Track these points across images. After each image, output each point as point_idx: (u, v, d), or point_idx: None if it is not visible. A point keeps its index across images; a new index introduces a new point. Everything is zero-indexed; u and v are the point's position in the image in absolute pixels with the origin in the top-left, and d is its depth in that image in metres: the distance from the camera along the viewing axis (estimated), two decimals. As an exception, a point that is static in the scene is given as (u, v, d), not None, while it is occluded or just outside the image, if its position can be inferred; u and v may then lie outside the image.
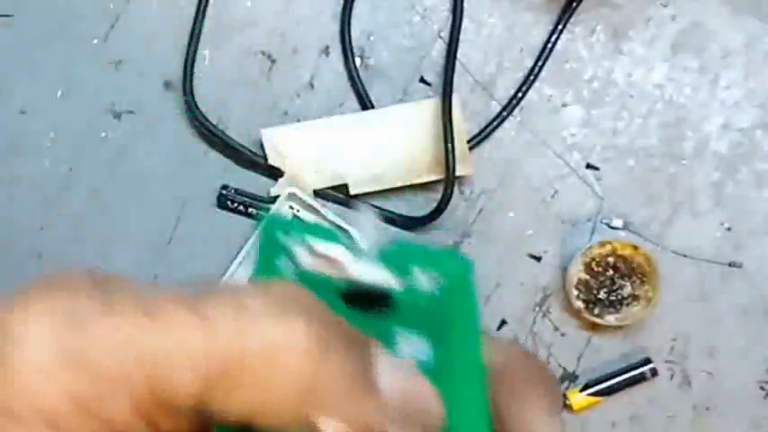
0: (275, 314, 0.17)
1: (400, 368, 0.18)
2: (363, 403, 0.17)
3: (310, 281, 0.20)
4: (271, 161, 0.55)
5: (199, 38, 0.56)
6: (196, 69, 0.56)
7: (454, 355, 0.19)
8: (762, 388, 0.55)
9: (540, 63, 0.56)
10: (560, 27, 0.56)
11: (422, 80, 0.56)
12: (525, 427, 0.19)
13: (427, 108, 0.55)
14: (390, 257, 0.20)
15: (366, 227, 0.20)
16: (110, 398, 0.16)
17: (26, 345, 0.16)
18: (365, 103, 0.56)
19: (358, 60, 0.56)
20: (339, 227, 0.54)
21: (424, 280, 0.20)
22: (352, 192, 0.55)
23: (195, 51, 0.56)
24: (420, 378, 0.18)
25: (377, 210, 0.55)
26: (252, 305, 0.17)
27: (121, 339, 0.16)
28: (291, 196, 0.54)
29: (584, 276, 0.54)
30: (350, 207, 0.55)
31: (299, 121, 0.56)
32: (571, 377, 0.55)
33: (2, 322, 0.16)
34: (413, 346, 0.20)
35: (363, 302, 0.20)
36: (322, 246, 0.20)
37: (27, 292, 0.17)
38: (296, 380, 0.17)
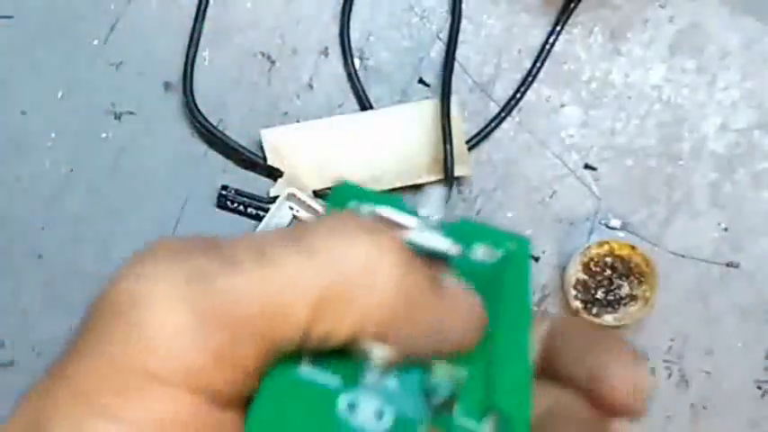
0: (365, 232, 0.18)
1: (460, 284, 0.20)
2: (440, 304, 0.19)
3: None
4: (270, 162, 0.55)
5: (199, 39, 0.56)
6: (196, 70, 0.56)
7: (503, 319, 0.20)
8: (759, 387, 0.55)
9: (538, 64, 0.56)
10: (558, 28, 0.56)
11: (421, 81, 0.56)
12: (602, 363, 0.20)
13: (426, 109, 0.55)
14: (454, 230, 0.21)
15: (434, 202, 0.22)
16: (240, 346, 0.17)
17: (158, 308, 0.17)
18: (364, 104, 0.56)
19: (357, 61, 0.56)
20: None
21: (482, 252, 0.22)
22: (352, 192, 0.55)
23: (195, 52, 0.56)
24: (476, 294, 0.20)
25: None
26: (343, 228, 0.18)
27: (245, 290, 0.17)
28: (291, 196, 0.54)
29: (583, 276, 0.54)
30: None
31: (298, 121, 0.56)
32: (569, 377, 0.55)
33: (129, 290, 0.17)
34: None
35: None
36: (389, 211, 0.21)
37: (143, 259, 0.18)
38: (393, 287, 0.18)
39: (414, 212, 0.21)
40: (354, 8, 0.56)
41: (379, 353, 0.18)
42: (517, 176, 0.56)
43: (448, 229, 0.21)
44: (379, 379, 0.19)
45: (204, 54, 0.56)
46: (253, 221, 0.55)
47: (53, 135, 0.56)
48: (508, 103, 0.56)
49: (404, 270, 0.18)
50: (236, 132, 0.56)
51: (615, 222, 0.55)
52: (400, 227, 0.20)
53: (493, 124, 0.56)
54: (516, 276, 0.21)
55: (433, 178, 0.55)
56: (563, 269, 0.55)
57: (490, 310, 0.20)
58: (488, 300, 0.20)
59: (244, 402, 0.18)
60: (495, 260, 0.21)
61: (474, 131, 0.56)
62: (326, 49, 0.57)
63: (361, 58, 0.56)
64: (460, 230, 0.21)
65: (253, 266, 0.17)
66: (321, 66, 0.56)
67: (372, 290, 0.18)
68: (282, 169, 0.55)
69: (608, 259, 0.54)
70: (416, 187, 0.56)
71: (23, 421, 0.17)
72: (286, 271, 0.17)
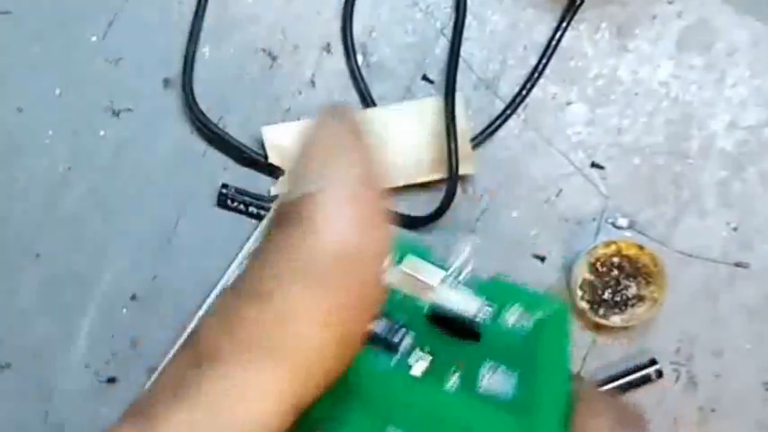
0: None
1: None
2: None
3: (394, 298, 0.19)
4: (271, 159, 0.54)
5: (199, 35, 0.55)
6: (196, 67, 0.55)
7: (539, 392, 0.19)
8: (769, 390, 0.54)
9: (544, 61, 0.55)
10: (565, 24, 0.55)
11: (424, 78, 0.56)
12: None
13: (430, 106, 0.54)
14: (485, 290, 0.20)
15: (464, 256, 0.20)
16: None
17: None
18: (367, 101, 0.55)
19: (360, 58, 0.55)
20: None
21: (515, 316, 0.20)
22: (354, 191, 0.54)
23: (195, 48, 0.55)
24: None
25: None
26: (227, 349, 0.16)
27: None
28: (292, 195, 0.53)
29: (589, 277, 0.53)
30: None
31: (300, 118, 0.55)
32: (575, 378, 0.54)
33: None
34: (496, 376, 0.19)
35: (449, 328, 0.19)
36: (414, 266, 0.19)
37: None
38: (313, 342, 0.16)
39: (442, 265, 0.20)
40: (357, 3, 0.56)
41: None
42: (522, 175, 0.55)
43: (478, 286, 0.20)
44: None
45: (204, 50, 0.56)
46: (253, 221, 0.54)
47: (50, 133, 0.55)
48: (513, 100, 0.55)
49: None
50: (236, 130, 0.55)
51: (622, 222, 0.55)
52: (424, 283, 0.19)
53: (498, 122, 0.55)
54: (553, 348, 0.19)
55: (436, 176, 0.54)
56: (569, 269, 0.54)
57: (522, 388, 0.18)
58: (521, 376, 0.19)
59: None
60: (528, 326, 0.20)
61: (479, 129, 0.55)
62: (329, 45, 0.56)
63: (363, 55, 0.56)
64: (491, 289, 0.20)
65: (168, 410, 0.15)
66: (323, 62, 0.56)
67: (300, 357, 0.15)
68: (284, 167, 0.54)
69: (615, 259, 0.53)
70: (420, 186, 0.55)
71: None
72: (203, 404, 0.15)
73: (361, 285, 0.16)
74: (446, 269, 0.20)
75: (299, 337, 0.15)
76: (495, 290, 0.20)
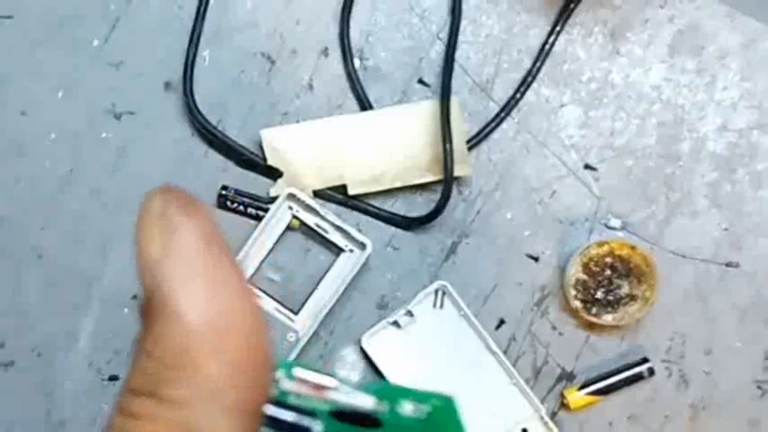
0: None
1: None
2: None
3: (294, 399, 0.21)
4: (270, 162, 0.55)
5: (199, 39, 0.56)
6: (196, 70, 0.56)
7: None
8: (759, 387, 0.55)
9: (538, 64, 0.56)
10: (558, 28, 0.56)
11: (420, 81, 0.56)
12: None
13: (426, 109, 0.55)
14: (374, 392, 0.21)
15: (351, 365, 0.22)
16: None
17: None
18: (364, 104, 0.56)
19: (357, 61, 0.56)
20: (338, 227, 0.54)
21: (409, 408, 0.21)
22: (351, 192, 0.55)
23: (195, 52, 0.56)
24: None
25: (375, 208, 0.56)
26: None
27: None
28: (290, 197, 0.54)
29: (582, 276, 0.54)
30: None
31: (298, 121, 0.56)
32: (569, 376, 0.55)
33: None
34: None
35: (353, 421, 0.21)
36: (307, 373, 0.21)
37: None
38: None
39: (331, 374, 0.21)
40: (354, 8, 0.56)
41: None
42: (517, 177, 0.56)
43: (368, 389, 0.21)
44: None
45: (204, 54, 0.56)
46: (252, 221, 0.55)
47: (53, 135, 0.56)
48: (508, 103, 0.56)
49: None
50: (235, 132, 0.56)
51: (615, 222, 0.55)
52: (319, 387, 0.20)
53: (492, 124, 0.56)
54: (451, 426, 0.21)
55: (432, 178, 0.55)
56: (563, 269, 0.55)
57: None
58: None
59: None
60: (424, 415, 0.21)
61: (474, 131, 0.56)
62: (326, 49, 0.57)
63: (360, 59, 0.56)
64: (381, 391, 0.21)
65: None
66: (321, 66, 0.57)
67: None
68: (282, 169, 0.55)
69: (608, 259, 0.54)
70: (417, 187, 0.56)
71: None
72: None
73: (241, 347, 0.17)
74: (339, 377, 0.21)
75: (198, 427, 0.17)
76: (384, 391, 0.21)
